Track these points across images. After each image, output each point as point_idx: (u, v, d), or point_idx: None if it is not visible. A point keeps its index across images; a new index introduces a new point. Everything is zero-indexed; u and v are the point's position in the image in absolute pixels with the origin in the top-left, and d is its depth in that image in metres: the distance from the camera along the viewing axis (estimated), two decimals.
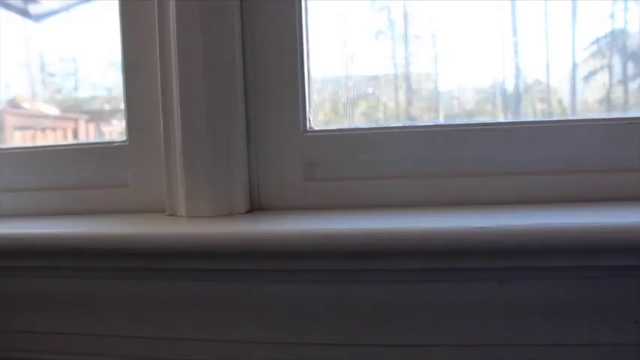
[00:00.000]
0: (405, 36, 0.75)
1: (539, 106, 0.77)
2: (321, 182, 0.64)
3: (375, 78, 0.78)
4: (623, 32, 0.74)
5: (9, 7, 0.79)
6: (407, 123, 0.72)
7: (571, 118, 0.71)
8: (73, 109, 0.82)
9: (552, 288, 0.54)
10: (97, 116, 0.81)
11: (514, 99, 0.76)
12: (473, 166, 0.62)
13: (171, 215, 0.64)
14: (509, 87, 0.75)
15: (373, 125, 0.70)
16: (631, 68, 0.75)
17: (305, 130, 0.64)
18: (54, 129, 0.81)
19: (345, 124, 0.74)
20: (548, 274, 0.54)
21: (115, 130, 0.79)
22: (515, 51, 0.72)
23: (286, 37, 0.63)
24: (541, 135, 0.61)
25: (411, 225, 0.54)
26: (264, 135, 0.64)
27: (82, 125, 0.81)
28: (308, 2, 0.66)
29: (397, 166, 0.63)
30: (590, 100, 0.77)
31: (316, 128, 0.65)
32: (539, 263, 0.53)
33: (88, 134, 0.82)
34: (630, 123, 0.61)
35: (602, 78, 0.75)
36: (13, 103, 0.82)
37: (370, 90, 0.79)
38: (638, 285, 0.53)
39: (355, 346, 0.57)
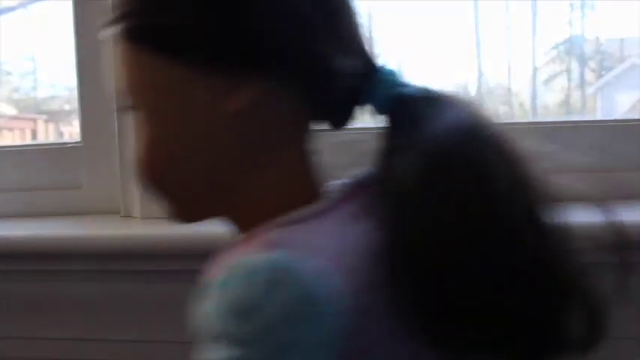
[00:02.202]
0: (370, 38, 0.76)
1: (501, 109, 0.79)
2: None
3: None
4: (581, 38, 0.76)
5: None
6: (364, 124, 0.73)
7: (531, 120, 0.72)
8: (31, 109, 0.81)
9: None
10: (57, 116, 0.80)
11: (477, 102, 0.77)
12: None
13: (126, 216, 0.64)
14: (472, 90, 0.77)
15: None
16: (588, 73, 0.77)
17: None
18: (10, 129, 0.80)
19: None
20: None
21: (75, 131, 0.78)
22: (478, 55, 0.73)
23: None
24: None
25: None
26: None
27: (40, 125, 0.80)
28: None
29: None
30: (549, 103, 0.79)
31: None
32: None
33: (47, 134, 0.81)
34: (574, 126, 0.62)
35: (561, 82, 0.77)
36: None
37: None
38: None
39: None
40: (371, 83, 0.34)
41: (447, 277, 0.31)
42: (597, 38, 0.77)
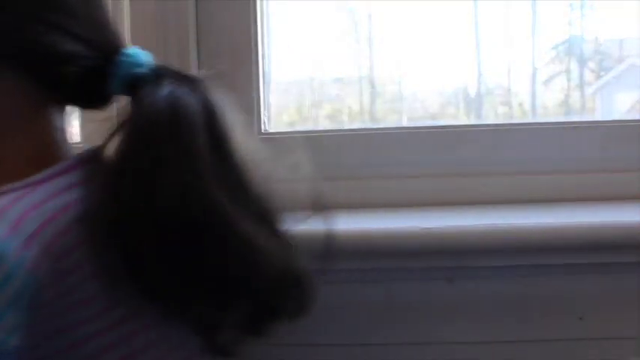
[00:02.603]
0: (370, 39, 0.76)
1: (501, 109, 0.79)
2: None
3: (340, 80, 0.79)
4: (580, 39, 0.76)
5: None
6: (363, 125, 0.73)
7: (531, 120, 0.73)
8: None
9: (498, 286, 0.56)
10: None
11: (476, 102, 0.77)
12: (417, 167, 0.64)
13: None
14: (472, 90, 0.77)
15: (328, 127, 0.71)
16: (587, 73, 0.78)
17: (260, 132, 0.65)
18: None
19: (309, 126, 0.75)
20: (493, 272, 0.55)
21: (75, 132, 0.78)
22: (478, 55, 0.73)
23: (241, 41, 0.64)
24: (500, 137, 0.63)
25: (359, 226, 0.55)
26: None
27: None
28: (265, 7, 0.66)
29: (351, 167, 0.64)
30: (549, 103, 0.79)
31: (271, 130, 0.66)
32: (486, 262, 0.54)
33: None
34: (574, 127, 0.63)
35: (561, 82, 0.77)
36: None
37: (335, 92, 0.79)
38: (582, 282, 0.55)
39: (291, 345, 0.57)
40: (111, 65, 0.38)
41: (145, 239, 0.34)
42: (597, 38, 0.77)
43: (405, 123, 0.76)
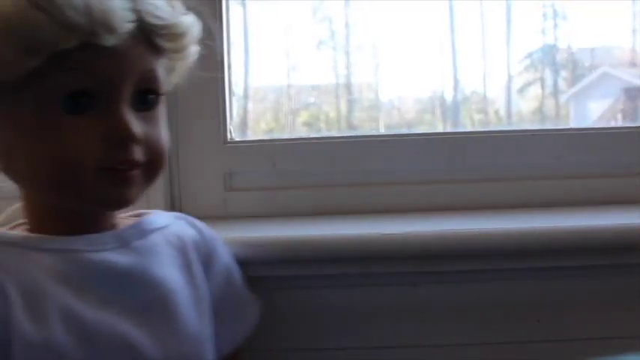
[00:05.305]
0: (347, 46, 0.76)
1: (477, 117, 0.79)
2: (241, 192, 0.65)
3: (317, 87, 0.79)
4: (554, 47, 0.77)
5: None
6: (325, 134, 0.74)
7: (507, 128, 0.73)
8: None
9: (462, 290, 0.56)
10: None
11: (453, 109, 0.78)
12: (383, 175, 0.64)
13: None
14: (448, 98, 0.77)
15: (293, 136, 0.71)
16: (560, 81, 0.78)
17: (225, 141, 0.65)
18: None
19: (286, 134, 0.75)
20: (457, 277, 0.56)
21: None
22: (454, 63, 0.74)
23: (207, 49, 0.64)
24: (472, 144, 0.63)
25: (324, 232, 0.55)
26: (185, 146, 0.65)
27: None
28: (230, 14, 0.67)
29: (314, 175, 0.65)
30: (524, 110, 0.80)
31: (236, 139, 0.66)
32: (449, 267, 0.55)
33: None
34: (533, 135, 0.64)
35: (535, 90, 0.78)
36: None
37: (312, 99, 0.80)
38: (539, 286, 0.56)
39: (263, 351, 0.57)
40: None
41: None
42: (569, 47, 0.78)
43: (382, 130, 0.76)
